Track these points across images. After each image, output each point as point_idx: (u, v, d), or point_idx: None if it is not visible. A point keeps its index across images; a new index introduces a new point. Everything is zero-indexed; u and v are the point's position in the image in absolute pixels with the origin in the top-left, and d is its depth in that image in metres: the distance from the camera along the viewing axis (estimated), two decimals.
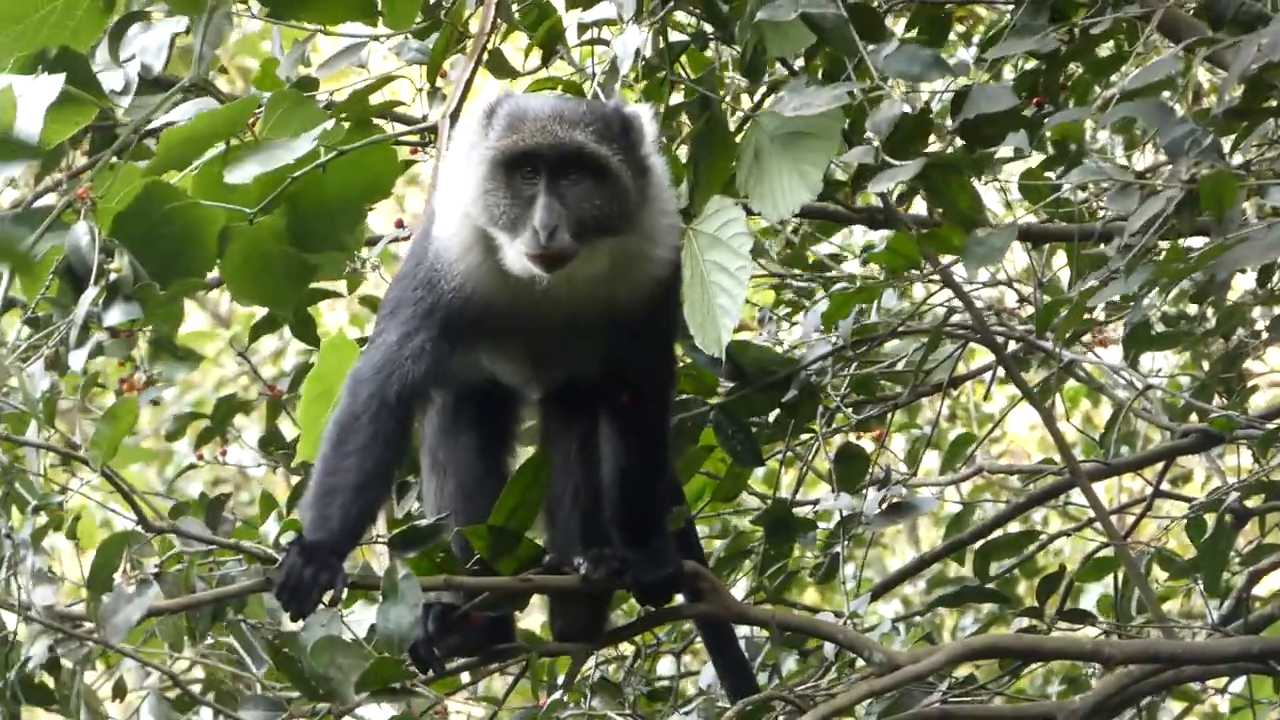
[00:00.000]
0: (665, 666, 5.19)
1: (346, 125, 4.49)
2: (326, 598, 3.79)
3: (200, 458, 5.51)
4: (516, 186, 3.88)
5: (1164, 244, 4.49)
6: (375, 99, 4.85)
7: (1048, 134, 4.60)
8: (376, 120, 4.86)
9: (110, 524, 6.16)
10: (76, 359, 4.14)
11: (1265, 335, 5.28)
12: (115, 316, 4.12)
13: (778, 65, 4.73)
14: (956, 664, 4.12)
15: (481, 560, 4.01)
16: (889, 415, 5.03)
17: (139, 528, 3.81)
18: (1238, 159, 4.51)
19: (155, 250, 4.22)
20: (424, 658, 4.04)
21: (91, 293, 4.12)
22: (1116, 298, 4.56)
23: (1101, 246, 4.74)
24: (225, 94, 4.72)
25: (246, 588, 3.85)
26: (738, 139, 4.48)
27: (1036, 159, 4.75)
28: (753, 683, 4.41)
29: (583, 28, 4.92)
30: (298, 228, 4.30)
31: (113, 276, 4.22)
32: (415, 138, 5.11)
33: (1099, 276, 4.32)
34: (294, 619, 3.81)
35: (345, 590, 3.82)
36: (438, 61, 4.78)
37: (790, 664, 4.69)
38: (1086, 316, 4.84)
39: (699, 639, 5.08)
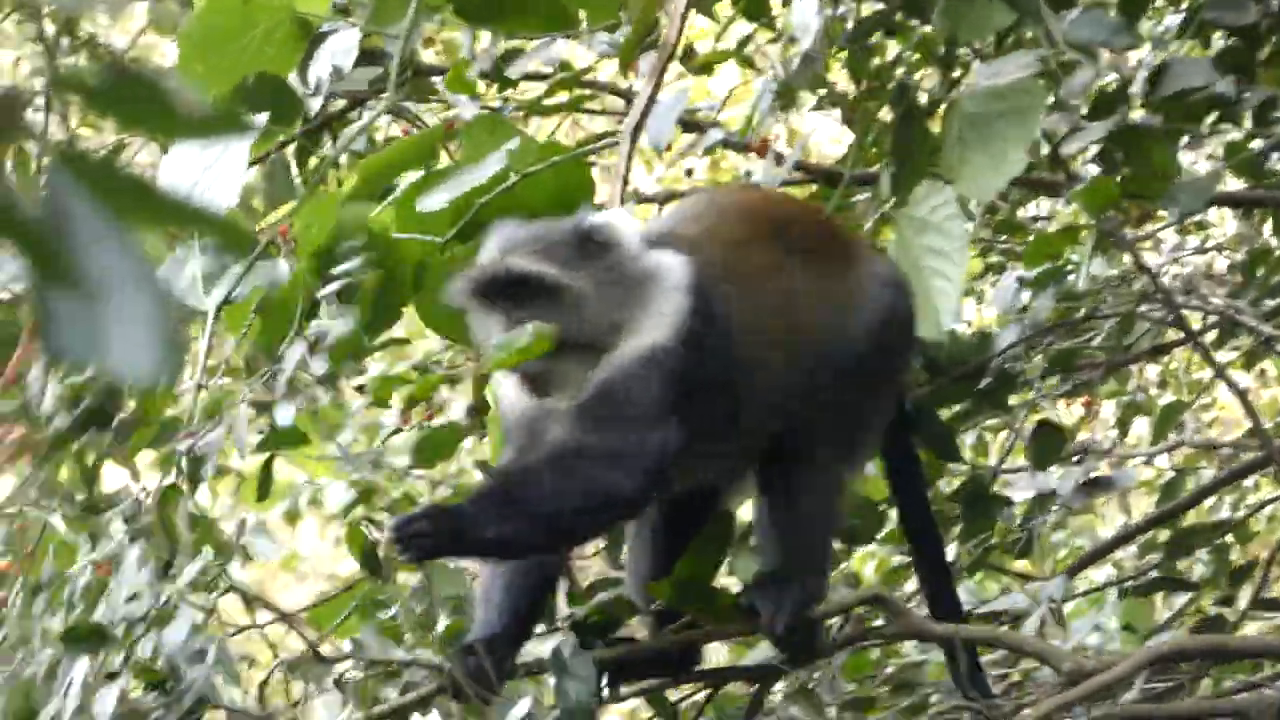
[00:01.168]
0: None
1: (542, 138, 4.52)
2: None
3: (407, 422, 5.57)
4: (490, 312, 3.87)
5: None
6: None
7: (1249, 110, 4.56)
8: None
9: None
10: (284, 414, 4.15)
11: None
12: (320, 367, 4.17)
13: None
14: (1144, 670, 4.10)
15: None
16: (1095, 384, 5.03)
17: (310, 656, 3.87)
18: None
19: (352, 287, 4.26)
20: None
21: (300, 346, 4.16)
22: None
23: None
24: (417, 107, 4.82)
25: (428, 693, 3.90)
26: (934, 127, 4.51)
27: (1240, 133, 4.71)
28: (986, 686, 4.36)
29: None
30: None
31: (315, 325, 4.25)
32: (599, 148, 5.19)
33: None
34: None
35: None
36: (630, 52, 4.84)
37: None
38: None
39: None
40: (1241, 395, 4.30)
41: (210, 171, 4.04)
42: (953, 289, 4.18)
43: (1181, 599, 5.07)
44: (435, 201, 4.07)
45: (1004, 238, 5.47)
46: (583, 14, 4.70)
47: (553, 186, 4.26)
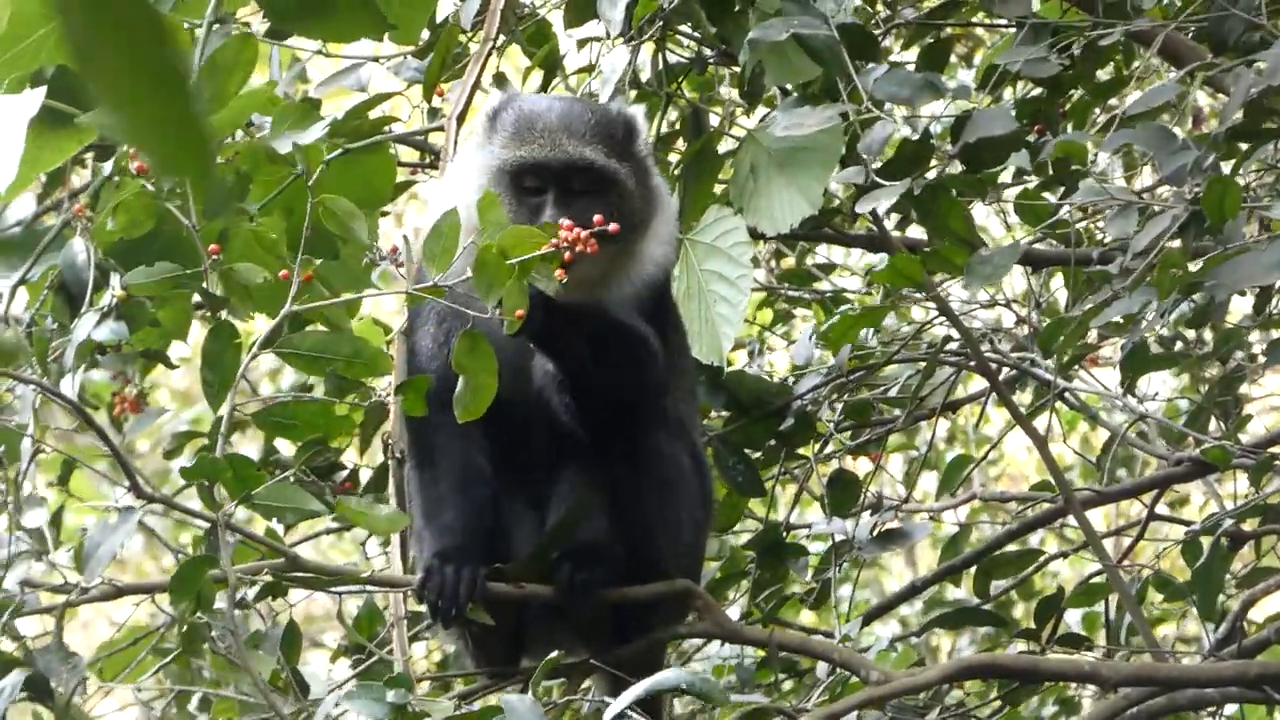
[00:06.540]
0: None
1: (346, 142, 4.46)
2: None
3: None
4: (521, 196, 3.89)
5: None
6: (374, 115, 4.83)
7: (1048, 160, 4.57)
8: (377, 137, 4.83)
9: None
10: (67, 386, 3.98)
11: (1262, 359, 5.26)
12: (104, 334, 4.06)
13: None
14: (954, 681, 4.11)
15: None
16: (885, 439, 5.01)
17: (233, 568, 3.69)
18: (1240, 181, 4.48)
19: (148, 257, 4.13)
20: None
21: (92, 318, 4.04)
22: (1118, 319, 4.56)
23: (1102, 267, 4.71)
24: None
25: (397, 580, 3.90)
26: (728, 158, 4.49)
27: (1035, 181, 4.73)
28: None
29: (581, 44, 4.91)
30: (294, 233, 4.23)
31: (111, 297, 4.15)
32: (415, 156, 5.12)
33: (1099, 298, 4.30)
34: (445, 624, 3.86)
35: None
36: (433, 79, 4.77)
37: (786, 687, 4.68)
38: (1083, 341, 4.83)
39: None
40: (1041, 442, 4.29)
41: None
42: (734, 316, 4.22)
43: None
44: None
45: (788, 285, 5.45)
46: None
47: (355, 175, 4.27)
